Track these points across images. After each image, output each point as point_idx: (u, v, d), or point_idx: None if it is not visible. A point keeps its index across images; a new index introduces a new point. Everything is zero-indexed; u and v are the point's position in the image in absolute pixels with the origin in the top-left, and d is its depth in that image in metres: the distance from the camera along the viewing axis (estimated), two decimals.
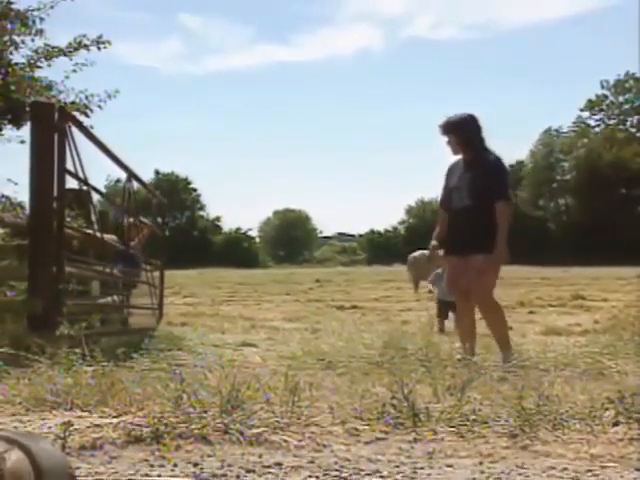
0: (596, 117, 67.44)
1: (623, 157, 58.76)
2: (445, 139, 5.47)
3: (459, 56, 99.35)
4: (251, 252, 66.40)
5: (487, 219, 5.20)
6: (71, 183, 5.29)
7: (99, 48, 9.77)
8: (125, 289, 7.18)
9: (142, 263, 7.66)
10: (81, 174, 5.19)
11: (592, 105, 67.19)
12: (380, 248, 65.73)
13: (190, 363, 4.42)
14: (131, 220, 7.17)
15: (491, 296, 5.29)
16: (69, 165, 5.00)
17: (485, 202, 5.23)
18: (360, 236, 77.61)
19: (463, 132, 5.42)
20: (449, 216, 5.51)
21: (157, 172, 67.46)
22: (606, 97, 66.75)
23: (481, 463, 2.27)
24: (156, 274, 7.98)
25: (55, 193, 4.93)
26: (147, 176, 68.16)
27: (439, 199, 5.81)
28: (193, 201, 69.90)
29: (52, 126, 4.90)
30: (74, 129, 5.09)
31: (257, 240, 75.09)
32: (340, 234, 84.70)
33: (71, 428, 2.46)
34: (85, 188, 5.52)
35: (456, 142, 5.43)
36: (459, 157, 5.55)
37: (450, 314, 7.59)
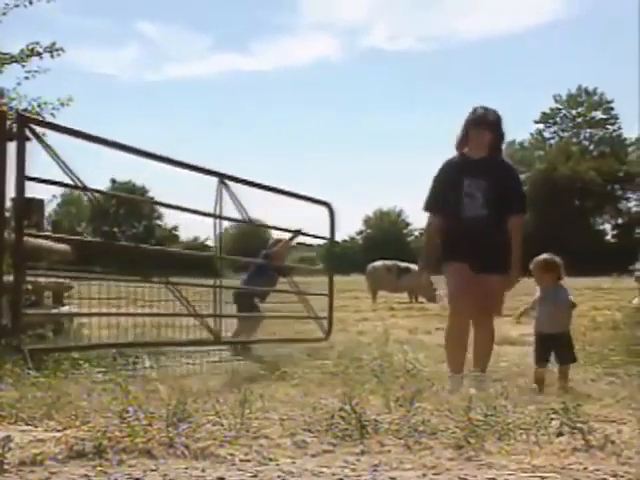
0: (551, 129, 68.80)
1: (577, 170, 59.91)
2: (473, 133, 4.90)
3: (417, 67, 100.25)
4: (209, 262, 65.68)
5: (502, 234, 4.91)
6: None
7: (52, 55, 9.67)
8: (251, 300, 7.09)
9: (277, 274, 7.55)
10: (76, 179, 5.14)
11: (546, 118, 68.43)
12: (337, 258, 65.75)
13: (141, 374, 4.37)
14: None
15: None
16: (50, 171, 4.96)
17: (501, 214, 4.90)
18: (319, 246, 77.65)
19: (500, 131, 4.99)
20: (454, 223, 4.95)
21: (114, 181, 66.14)
22: (560, 110, 68.06)
23: (424, 475, 2.27)
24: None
25: (13, 202, 4.88)
26: (104, 185, 67.12)
27: (427, 202, 5.13)
28: (150, 210, 68.86)
29: (4, 134, 4.84)
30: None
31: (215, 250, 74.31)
32: (298, 244, 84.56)
33: (11, 443, 2.40)
34: (37, 197, 5.46)
35: (489, 140, 4.91)
36: (455, 155, 5.05)
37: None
